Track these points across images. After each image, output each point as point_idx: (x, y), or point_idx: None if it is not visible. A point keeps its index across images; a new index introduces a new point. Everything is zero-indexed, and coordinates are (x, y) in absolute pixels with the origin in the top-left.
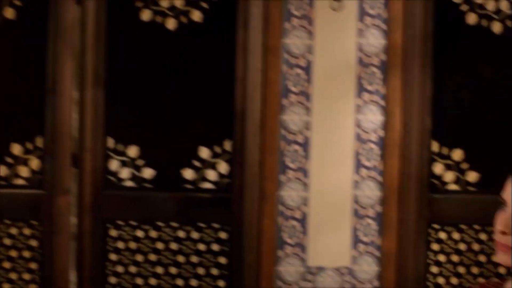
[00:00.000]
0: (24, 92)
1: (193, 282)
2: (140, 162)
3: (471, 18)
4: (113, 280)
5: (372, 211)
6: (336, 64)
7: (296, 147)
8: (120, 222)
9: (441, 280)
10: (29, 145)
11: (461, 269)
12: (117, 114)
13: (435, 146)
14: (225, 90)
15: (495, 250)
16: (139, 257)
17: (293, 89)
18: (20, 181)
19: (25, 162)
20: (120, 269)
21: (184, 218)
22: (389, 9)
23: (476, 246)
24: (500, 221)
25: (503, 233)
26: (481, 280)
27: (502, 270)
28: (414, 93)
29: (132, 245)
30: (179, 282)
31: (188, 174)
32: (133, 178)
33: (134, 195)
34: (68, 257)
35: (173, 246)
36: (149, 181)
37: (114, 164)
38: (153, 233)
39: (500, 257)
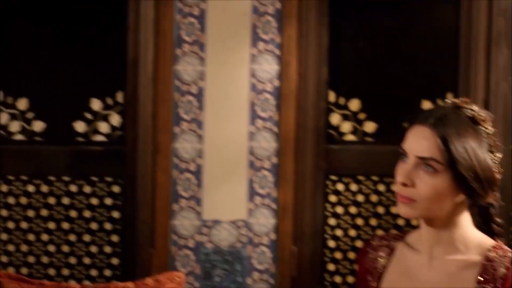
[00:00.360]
0: None
1: (86, 237)
2: (30, 115)
3: None
4: (4, 236)
5: (268, 162)
6: (230, 13)
7: (190, 98)
8: (10, 177)
9: (339, 232)
10: None
11: (359, 221)
12: (5, 66)
13: (331, 96)
14: (117, 40)
15: (396, 201)
16: (31, 213)
17: (187, 38)
18: None
19: None
20: (11, 225)
21: (76, 172)
22: None
23: (374, 198)
24: (401, 172)
25: (404, 184)
26: (379, 232)
27: (400, 222)
28: (310, 42)
29: (23, 200)
30: (72, 237)
31: (80, 126)
32: (23, 131)
33: (24, 149)
34: None
35: (65, 200)
36: (39, 134)
37: (3, 118)
38: (45, 188)
39: (400, 209)
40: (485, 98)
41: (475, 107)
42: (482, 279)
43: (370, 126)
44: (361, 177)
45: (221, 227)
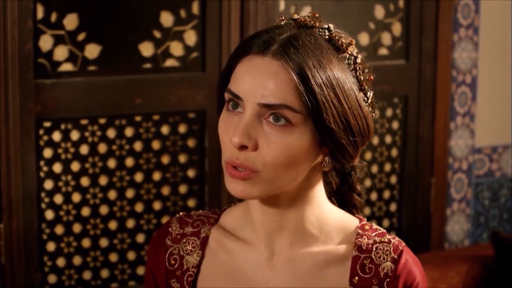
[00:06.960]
0: None
1: None
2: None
3: None
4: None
5: None
6: None
7: None
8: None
9: (58, 199)
10: None
11: (85, 181)
12: None
13: (40, 12)
14: None
15: (225, 175)
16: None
17: None
18: None
19: None
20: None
21: None
22: None
23: (102, 148)
24: (234, 129)
25: (242, 147)
26: (111, 194)
27: (156, 177)
28: None
29: None
30: None
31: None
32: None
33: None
34: None
35: None
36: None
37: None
38: None
39: (235, 187)
40: (241, 7)
41: (331, 26)
42: (357, 279)
43: (93, 50)
44: (84, 121)
45: None
